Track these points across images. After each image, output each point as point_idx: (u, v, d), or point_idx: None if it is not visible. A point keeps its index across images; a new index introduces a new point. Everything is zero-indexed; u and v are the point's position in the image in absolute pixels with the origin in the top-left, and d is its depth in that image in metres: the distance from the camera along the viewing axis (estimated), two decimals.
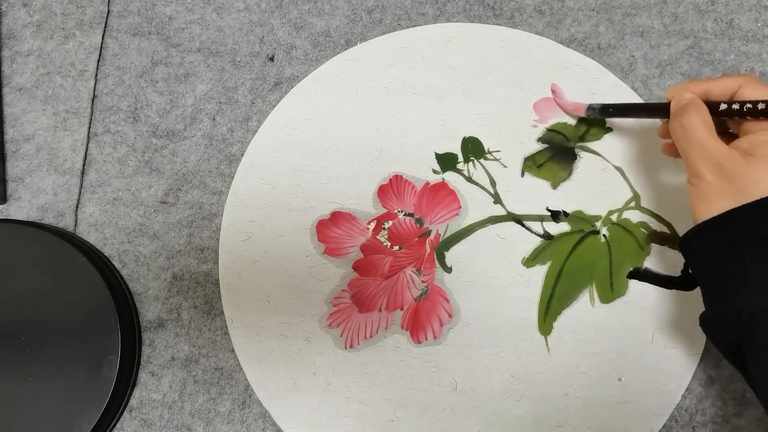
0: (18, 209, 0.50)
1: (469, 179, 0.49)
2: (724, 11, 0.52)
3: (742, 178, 0.36)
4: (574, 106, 0.49)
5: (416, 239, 0.48)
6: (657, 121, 0.50)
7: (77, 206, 0.50)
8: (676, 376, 0.45)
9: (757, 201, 0.35)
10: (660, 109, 0.42)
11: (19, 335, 0.45)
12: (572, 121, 0.50)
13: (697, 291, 0.46)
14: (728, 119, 0.39)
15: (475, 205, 0.48)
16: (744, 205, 0.35)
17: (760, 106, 0.37)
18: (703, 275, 0.39)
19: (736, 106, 0.38)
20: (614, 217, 0.48)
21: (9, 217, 0.50)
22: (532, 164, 0.49)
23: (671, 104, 0.40)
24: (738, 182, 0.36)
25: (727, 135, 0.40)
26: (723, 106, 0.38)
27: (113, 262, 0.49)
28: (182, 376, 0.47)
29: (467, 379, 0.46)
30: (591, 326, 0.46)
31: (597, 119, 0.49)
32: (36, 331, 0.45)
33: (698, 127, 0.38)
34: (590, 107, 0.47)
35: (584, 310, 0.46)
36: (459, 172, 0.49)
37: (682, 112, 0.39)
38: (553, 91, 0.50)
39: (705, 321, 0.39)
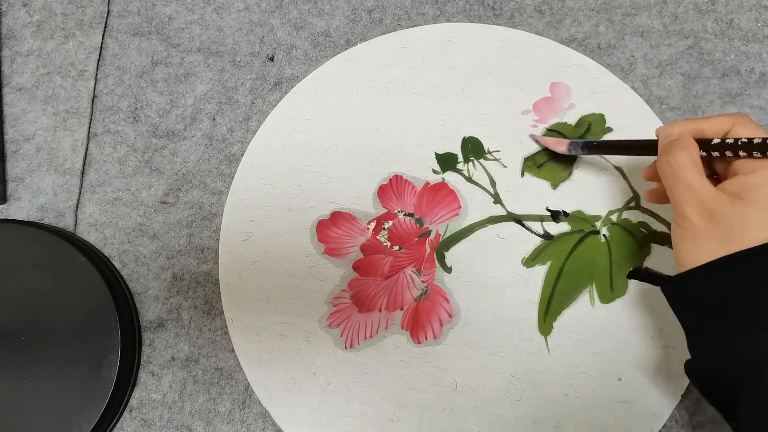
0: (18, 209, 0.50)
1: (469, 179, 0.49)
2: (724, 11, 0.52)
3: (730, 222, 0.35)
4: (555, 142, 0.48)
5: (416, 239, 0.48)
6: (655, 121, 0.50)
7: (77, 206, 0.50)
8: (676, 376, 0.45)
9: (755, 248, 0.34)
10: (647, 147, 0.41)
11: (19, 335, 0.45)
12: (572, 121, 0.50)
13: None
14: (717, 160, 0.38)
15: (475, 205, 0.48)
16: (739, 252, 0.34)
17: (756, 140, 0.35)
18: (691, 321, 0.38)
19: (729, 141, 0.36)
20: (614, 217, 0.48)
21: (9, 217, 0.50)
22: (532, 164, 0.49)
23: (659, 140, 0.39)
24: (725, 226, 0.35)
25: (713, 178, 0.39)
26: (716, 141, 0.37)
27: (113, 262, 0.49)
28: (182, 376, 0.47)
29: (467, 379, 0.46)
30: (591, 326, 0.46)
31: (580, 154, 0.47)
32: (36, 331, 0.45)
33: (687, 166, 0.36)
34: (572, 143, 0.46)
35: (584, 310, 0.46)
36: (459, 172, 0.49)
37: (670, 150, 0.37)
38: (535, 138, 0.49)
39: (692, 368, 0.38)
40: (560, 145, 0.47)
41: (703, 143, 0.37)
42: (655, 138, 0.40)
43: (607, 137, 0.49)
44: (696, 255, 0.36)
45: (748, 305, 0.34)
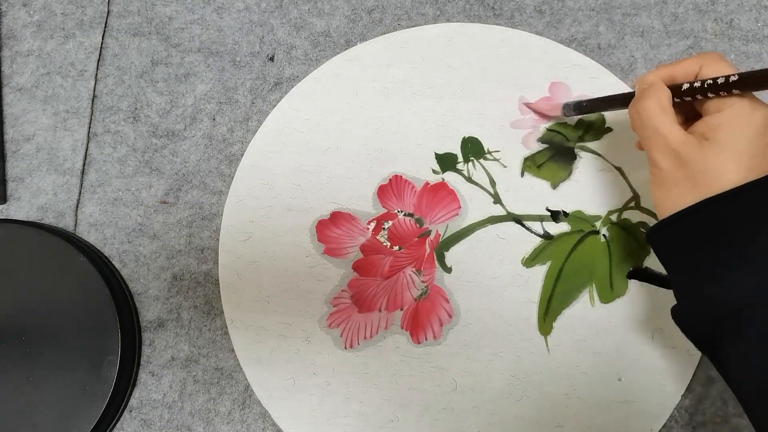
0: (18, 209, 0.50)
1: (469, 179, 0.49)
2: (724, 11, 0.52)
3: (697, 164, 0.35)
4: (550, 106, 0.48)
5: (416, 239, 0.48)
6: None
7: (77, 206, 0.50)
8: (676, 376, 0.45)
9: (717, 195, 0.34)
10: (631, 98, 0.41)
11: (19, 335, 0.45)
12: (572, 121, 0.50)
13: None
14: (698, 102, 0.38)
15: (475, 205, 0.48)
16: (707, 200, 0.34)
17: (720, 80, 0.35)
18: (673, 267, 0.38)
19: (697, 84, 0.36)
20: (614, 217, 0.48)
21: (9, 217, 0.50)
22: (532, 164, 0.49)
23: (636, 90, 0.39)
24: (693, 169, 0.35)
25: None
26: (685, 86, 0.37)
27: (113, 262, 0.49)
28: (182, 376, 0.47)
29: (467, 379, 0.46)
30: (591, 326, 0.46)
31: (574, 116, 0.48)
32: (36, 331, 0.45)
33: (654, 112, 0.37)
34: (565, 105, 0.47)
35: (584, 310, 0.46)
36: (459, 172, 0.49)
37: (640, 97, 0.38)
38: (526, 104, 0.50)
39: (677, 313, 0.38)
40: (554, 110, 0.47)
41: (675, 90, 0.37)
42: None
43: (607, 137, 0.49)
44: (668, 201, 0.36)
45: (721, 251, 0.34)
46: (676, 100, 0.37)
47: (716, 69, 0.36)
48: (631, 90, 0.42)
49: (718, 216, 0.34)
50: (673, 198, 0.36)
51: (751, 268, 0.33)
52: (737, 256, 0.34)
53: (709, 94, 0.36)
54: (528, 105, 0.49)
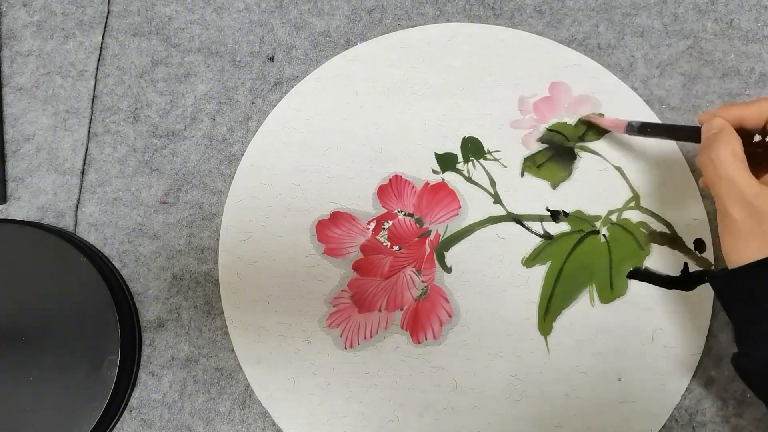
0: (18, 209, 0.50)
1: (469, 179, 0.49)
2: (724, 11, 0.52)
3: None
4: (614, 123, 0.47)
5: (416, 239, 0.48)
6: (656, 121, 0.50)
7: (77, 206, 0.50)
8: (676, 376, 0.45)
9: None
10: (695, 133, 0.40)
11: (19, 335, 0.45)
12: (572, 121, 0.50)
13: (698, 291, 0.46)
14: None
15: (475, 205, 0.48)
16: None
17: None
18: (738, 315, 0.37)
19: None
20: (614, 217, 0.48)
21: (9, 217, 0.50)
22: (532, 164, 0.49)
23: (702, 135, 0.38)
24: (767, 223, 0.34)
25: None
26: (757, 138, 0.36)
27: (113, 262, 0.49)
28: (182, 376, 0.47)
29: (467, 379, 0.46)
30: (591, 326, 0.46)
31: (635, 135, 0.46)
32: (36, 331, 0.45)
33: (728, 161, 0.35)
34: (630, 124, 0.45)
35: (584, 310, 0.46)
36: (459, 172, 0.49)
37: (711, 144, 0.36)
38: (595, 118, 0.49)
39: (739, 361, 0.37)
40: (619, 127, 0.46)
41: (746, 140, 0.36)
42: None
43: (607, 137, 0.49)
44: (739, 252, 0.36)
45: None
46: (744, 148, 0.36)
47: None
48: (696, 125, 0.41)
49: None
50: (746, 250, 0.35)
51: None
52: None
53: None
54: (593, 120, 0.48)
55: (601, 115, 0.49)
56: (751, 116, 0.37)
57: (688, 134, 0.41)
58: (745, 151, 0.36)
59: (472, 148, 0.49)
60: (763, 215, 0.34)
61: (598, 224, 0.48)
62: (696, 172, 0.48)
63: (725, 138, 0.36)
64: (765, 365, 0.35)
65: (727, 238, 0.37)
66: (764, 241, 0.35)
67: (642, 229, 0.48)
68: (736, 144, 0.36)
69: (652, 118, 0.49)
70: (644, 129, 0.45)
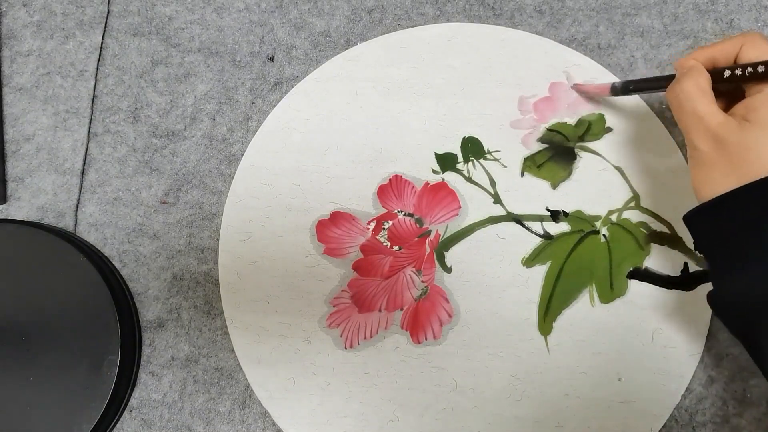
0: (18, 209, 0.50)
1: (469, 179, 0.49)
2: (724, 11, 0.52)
3: (737, 147, 0.34)
4: (598, 87, 0.48)
5: (416, 239, 0.48)
6: (656, 121, 0.50)
7: (77, 206, 0.50)
8: (676, 376, 0.45)
9: (757, 181, 0.33)
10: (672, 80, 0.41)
11: (19, 335, 0.45)
12: (572, 121, 0.50)
13: (698, 291, 0.46)
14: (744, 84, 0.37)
15: (475, 205, 0.48)
16: (748, 185, 0.34)
17: (760, 69, 0.34)
18: (710, 252, 0.37)
19: (738, 72, 0.36)
20: (614, 217, 0.48)
21: (9, 217, 0.50)
22: (532, 164, 0.49)
23: (676, 74, 0.39)
24: (733, 152, 0.34)
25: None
26: (727, 73, 0.36)
27: (113, 262, 0.49)
28: (182, 376, 0.47)
29: (467, 379, 0.46)
30: (591, 326, 0.46)
31: (621, 96, 0.47)
32: (36, 331, 0.45)
33: (693, 94, 0.36)
34: (613, 86, 0.46)
35: (584, 310, 0.46)
36: (459, 172, 0.49)
37: (678, 81, 0.37)
38: (576, 85, 0.49)
39: (713, 297, 0.37)
40: (603, 91, 0.47)
41: (716, 75, 0.37)
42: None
43: (607, 137, 0.49)
44: (708, 184, 0.36)
45: (762, 236, 0.34)
46: (716, 85, 0.37)
47: (757, 50, 0.36)
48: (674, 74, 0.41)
49: (759, 201, 0.34)
50: (712, 181, 0.35)
51: None
52: None
53: (754, 81, 0.35)
54: (577, 86, 0.49)
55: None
56: (721, 54, 0.37)
57: (668, 83, 0.41)
58: (719, 88, 0.37)
59: (472, 148, 0.49)
60: (725, 143, 0.35)
61: (598, 224, 0.48)
62: None
63: (692, 73, 0.37)
64: (739, 298, 0.35)
65: (695, 171, 0.37)
66: (729, 169, 0.35)
67: (642, 229, 0.48)
68: (701, 78, 0.36)
69: (653, 117, 0.49)
70: (627, 87, 0.45)
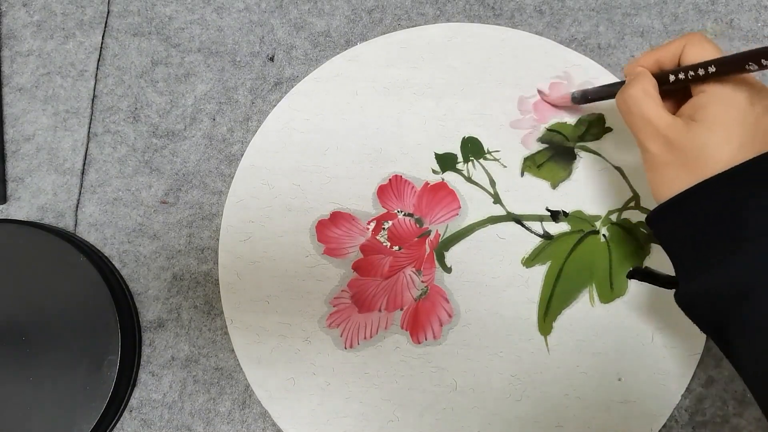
0: (18, 209, 0.50)
1: (469, 179, 0.49)
2: (724, 11, 0.52)
3: (687, 146, 0.35)
4: (561, 98, 0.49)
5: (416, 239, 0.48)
6: None
7: (77, 206, 0.50)
8: (676, 376, 0.45)
9: (710, 179, 0.34)
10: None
11: (19, 335, 0.45)
12: (572, 121, 0.50)
13: None
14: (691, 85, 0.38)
15: (475, 205, 0.48)
16: (700, 184, 0.34)
17: (701, 72, 0.35)
18: (674, 252, 0.38)
19: (681, 76, 0.36)
20: (614, 217, 0.48)
21: (9, 217, 0.50)
22: (532, 164, 0.49)
23: (625, 81, 0.40)
24: (684, 152, 0.35)
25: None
26: (671, 78, 0.37)
27: (113, 262, 0.49)
28: (182, 376, 0.47)
29: (467, 379, 0.46)
30: (591, 326, 0.46)
31: (582, 104, 0.48)
32: (36, 331, 0.45)
33: (639, 98, 0.37)
34: (573, 95, 0.47)
35: (584, 310, 0.46)
36: (458, 172, 0.49)
37: (625, 88, 0.38)
38: (540, 92, 0.50)
39: (681, 298, 0.38)
40: (566, 101, 0.48)
41: (661, 79, 0.38)
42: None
43: (607, 137, 0.49)
44: (663, 185, 0.36)
45: (720, 233, 0.34)
46: (663, 87, 0.38)
47: (699, 50, 0.37)
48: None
49: (714, 198, 0.34)
50: (667, 182, 0.36)
51: (751, 251, 0.33)
52: (737, 239, 0.34)
53: (693, 78, 0.36)
54: (543, 97, 0.50)
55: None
56: (666, 57, 0.38)
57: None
58: (666, 90, 0.38)
59: (472, 148, 0.49)
60: (675, 144, 0.35)
61: (598, 224, 0.48)
62: None
63: (638, 79, 0.38)
64: (706, 295, 0.35)
65: (650, 174, 0.37)
66: (681, 169, 0.35)
67: (642, 229, 0.48)
68: (647, 83, 0.37)
69: None
70: (585, 97, 0.46)
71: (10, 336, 0.45)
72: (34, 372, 0.45)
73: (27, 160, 0.51)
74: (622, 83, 0.42)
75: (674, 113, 0.37)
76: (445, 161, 0.49)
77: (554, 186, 0.49)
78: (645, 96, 0.37)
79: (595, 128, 0.49)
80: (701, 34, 0.38)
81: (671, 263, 0.39)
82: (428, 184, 0.49)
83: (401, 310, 0.47)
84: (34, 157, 0.51)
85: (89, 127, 0.51)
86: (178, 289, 0.49)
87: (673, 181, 0.36)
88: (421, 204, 0.49)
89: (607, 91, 0.44)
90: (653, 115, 0.36)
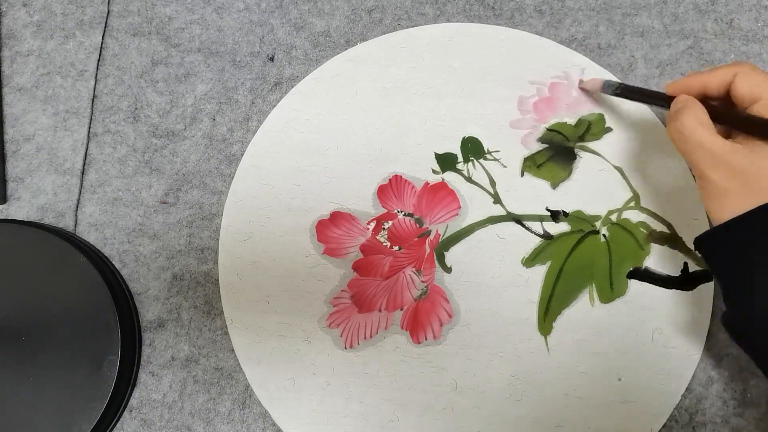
0: (18, 209, 0.50)
1: (469, 179, 0.49)
2: (724, 11, 0.52)
3: (748, 171, 0.35)
4: (592, 82, 0.48)
5: (416, 239, 0.48)
6: (655, 121, 0.50)
7: (77, 206, 0.50)
8: (676, 376, 0.45)
9: None
10: (665, 99, 0.42)
11: (19, 335, 0.45)
12: (572, 121, 0.50)
13: (698, 291, 0.46)
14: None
15: (475, 205, 0.48)
16: (763, 206, 0.34)
17: (760, 122, 0.35)
18: (725, 274, 0.38)
19: (736, 115, 0.37)
20: (614, 217, 0.48)
21: (9, 217, 0.50)
22: (532, 164, 0.49)
23: (671, 110, 0.40)
24: (744, 177, 0.35)
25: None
26: (727, 118, 0.37)
27: (113, 262, 0.49)
28: (182, 376, 0.47)
29: (467, 379, 0.46)
30: (591, 326, 0.46)
31: (611, 95, 0.47)
32: (36, 331, 0.45)
33: (694, 127, 0.37)
34: (605, 83, 0.47)
35: (584, 310, 0.46)
36: (459, 172, 0.49)
37: (677, 116, 0.38)
38: (581, 86, 0.50)
39: (728, 320, 0.38)
40: (596, 85, 0.48)
41: (710, 108, 0.38)
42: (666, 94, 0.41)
43: (607, 137, 0.49)
44: (725, 210, 0.36)
45: None
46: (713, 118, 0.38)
47: (750, 81, 0.37)
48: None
49: None
50: (728, 208, 0.36)
51: None
52: None
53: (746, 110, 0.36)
54: (581, 86, 0.50)
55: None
56: (713, 84, 0.38)
57: (660, 101, 0.42)
58: (712, 119, 0.38)
59: (472, 148, 0.49)
60: (737, 169, 0.35)
61: (598, 224, 0.48)
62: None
63: (690, 108, 0.38)
64: (755, 321, 0.35)
65: (709, 201, 0.37)
66: (744, 193, 0.35)
67: (642, 229, 0.48)
68: (700, 112, 0.37)
69: (653, 118, 0.49)
70: (619, 89, 0.46)
71: (10, 336, 0.45)
72: (34, 372, 0.45)
73: (27, 160, 0.51)
74: (661, 93, 0.42)
75: (724, 135, 0.38)
76: (445, 161, 0.49)
77: (554, 186, 0.49)
78: (700, 125, 0.37)
79: (595, 128, 0.49)
80: (751, 63, 0.38)
81: (720, 286, 0.38)
82: (428, 184, 0.49)
83: (401, 310, 0.47)
84: (34, 157, 0.51)
85: (89, 127, 0.51)
86: (178, 289, 0.49)
87: (734, 206, 0.36)
88: (421, 204, 0.49)
89: (643, 95, 0.44)
90: (711, 143, 0.36)
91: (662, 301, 0.46)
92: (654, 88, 0.50)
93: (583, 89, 0.50)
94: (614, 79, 0.50)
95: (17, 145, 0.51)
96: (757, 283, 0.35)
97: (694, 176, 0.39)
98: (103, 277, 0.46)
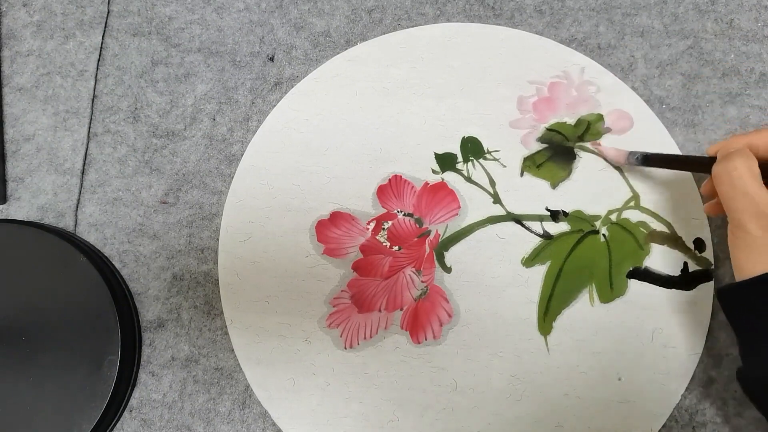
0: (18, 209, 0.50)
1: (469, 179, 0.49)
2: (724, 11, 0.52)
3: None
4: (616, 153, 0.47)
5: (416, 239, 0.48)
6: (654, 122, 0.50)
7: (77, 206, 0.50)
8: (676, 376, 0.45)
9: None
10: (703, 163, 0.41)
11: (19, 335, 0.45)
12: (571, 121, 0.50)
13: (698, 290, 0.46)
14: None
15: (475, 205, 0.48)
16: None
17: None
18: (745, 328, 0.37)
19: None
20: (614, 217, 0.48)
21: (9, 217, 0.50)
22: (532, 164, 0.49)
23: (719, 153, 0.39)
24: None
25: None
26: None
27: (113, 262, 0.49)
28: (182, 376, 0.47)
29: (467, 379, 0.46)
30: (591, 326, 0.46)
31: (637, 166, 0.47)
32: (36, 331, 0.45)
33: (745, 175, 0.36)
34: (631, 153, 0.46)
35: (584, 310, 0.46)
36: (458, 172, 0.49)
37: (729, 159, 0.37)
38: (597, 144, 0.49)
39: (744, 375, 0.37)
40: (620, 157, 0.47)
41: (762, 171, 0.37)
42: (708, 155, 0.40)
43: (607, 137, 0.49)
44: (756, 265, 0.35)
45: None
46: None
47: None
48: (701, 156, 0.42)
49: None
50: (760, 263, 0.35)
51: None
52: None
53: None
54: (597, 149, 0.49)
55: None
56: (761, 143, 0.37)
57: (699, 164, 0.41)
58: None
59: (472, 148, 0.49)
60: None
61: (597, 224, 0.48)
62: (695, 173, 0.48)
63: (744, 154, 0.36)
64: (765, 380, 0.35)
65: (742, 253, 0.36)
66: None
67: (642, 229, 0.48)
68: (753, 162, 0.36)
69: (653, 118, 0.49)
70: (647, 159, 0.45)
71: (10, 336, 0.45)
72: (34, 372, 0.45)
73: (27, 160, 0.51)
74: (696, 158, 0.41)
75: None
76: (445, 161, 0.49)
77: (554, 186, 0.49)
78: (749, 174, 0.36)
79: (594, 128, 0.49)
80: None
81: (737, 340, 0.38)
82: (428, 184, 0.49)
83: (401, 310, 0.47)
84: (34, 157, 0.51)
85: (89, 127, 0.52)
86: (178, 289, 0.49)
87: (765, 262, 0.35)
88: (421, 204, 0.49)
89: (675, 162, 0.44)
90: (757, 194, 0.35)
91: (662, 301, 0.46)
92: (654, 90, 0.50)
93: (602, 155, 0.49)
94: (614, 78, 0.50)
95: (17, 145, 0.51)
96: None
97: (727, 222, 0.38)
98: (103, 277, 0.46)
